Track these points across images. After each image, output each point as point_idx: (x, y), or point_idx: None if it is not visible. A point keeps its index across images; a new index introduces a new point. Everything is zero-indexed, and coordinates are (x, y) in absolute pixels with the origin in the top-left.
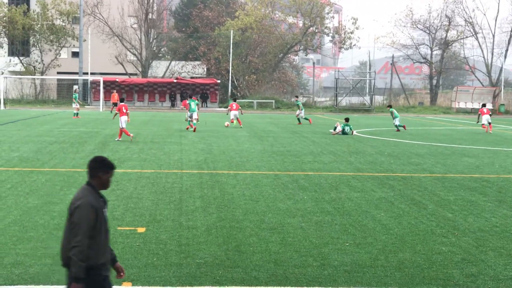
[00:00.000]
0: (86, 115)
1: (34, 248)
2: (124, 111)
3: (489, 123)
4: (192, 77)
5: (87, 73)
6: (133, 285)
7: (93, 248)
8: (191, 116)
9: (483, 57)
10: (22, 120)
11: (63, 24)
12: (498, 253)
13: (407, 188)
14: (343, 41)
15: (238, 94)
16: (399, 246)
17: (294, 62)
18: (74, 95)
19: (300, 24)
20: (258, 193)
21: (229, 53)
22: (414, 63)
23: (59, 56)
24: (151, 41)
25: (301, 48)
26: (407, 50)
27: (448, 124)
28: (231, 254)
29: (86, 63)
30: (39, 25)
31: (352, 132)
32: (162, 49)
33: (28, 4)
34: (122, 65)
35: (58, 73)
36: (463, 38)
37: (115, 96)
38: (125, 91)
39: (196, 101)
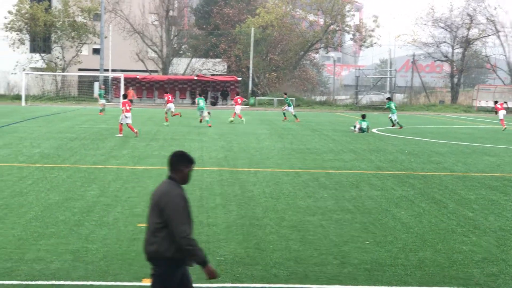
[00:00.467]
0: (107, 111)
1: (55, 244)
2: (128, 107)
3: (501, 119)
4: (212, 75)
5: (108, 70)
6: None
7: None
8: (201, 114)
9: (505, 55)
10: (43, 116)
11: (84, 21)
12: None
13: (428, 187)
14: (364, 39)
15: (259, 91)
16: (420, 245)
17: (315, 60)
18: (99, 92)
19: (321, 22)
20: (278, 190)
21: (250, 50)
22: (435, 61)
23: (80, 53)
24: (171, 38)
25: (321, 46)
26: (428, 48)
27: (469, 123)
28: (251, 252)
29: (107, 60)
30: (60, 22)
31: (368, 129)
32: (183, 46)
33: (49, 1)
34: (143, 62)
35: (79, 69)
36: (485, 36)
37: (130, 93)
38: (145, 88)
39: (203, 99)
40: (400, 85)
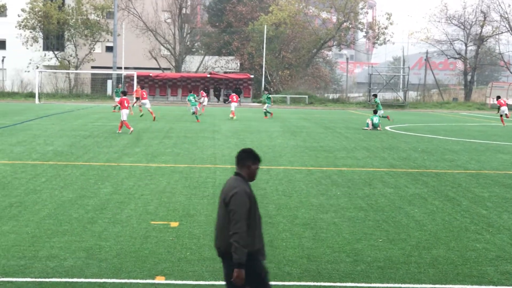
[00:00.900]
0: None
1: (68, 242)
2: (126, 104)
3: (501, 116)
4: (225, 72)
5: (121, 68)
6: (166, 279)
7: (250, 234)
8: (191, 109)
9: None
10: (56, 114)
11: (97, 18)
12: None
13: (441, 185)
14: (377, 37)
15: (272, 89)
16: (433, 242)
17: (328, 58)
18: (116, 90)
19: (334, 19)
20: (291, 188)
21: (263, 48)
22: (448, 58)
23: (93, 50)
24: (184, 36)
25: (334, 44)
26: (441, 45)
27: (483, 120)
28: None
29: (120, 57)
30: (73, 20)
31: (379, 125)
32: (196, 44)
33: None
34: (156, 60)
35: (92, 67)
36: (498, 33)
37: (138, 91)
38: (158, 86)
39: (194, 95)
40: (413, 82)
